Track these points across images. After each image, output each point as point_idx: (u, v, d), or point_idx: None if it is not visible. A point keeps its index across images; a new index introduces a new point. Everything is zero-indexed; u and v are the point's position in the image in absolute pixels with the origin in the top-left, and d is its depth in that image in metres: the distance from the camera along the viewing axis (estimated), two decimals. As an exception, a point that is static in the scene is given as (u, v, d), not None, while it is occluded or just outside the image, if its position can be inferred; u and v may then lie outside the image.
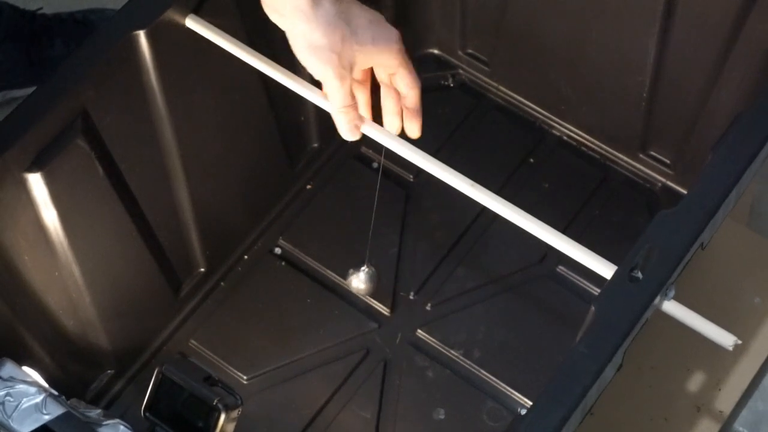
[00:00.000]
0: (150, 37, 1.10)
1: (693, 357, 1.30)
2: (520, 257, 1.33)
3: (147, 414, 1.02)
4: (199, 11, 1.12)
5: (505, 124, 1.44)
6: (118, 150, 1.14)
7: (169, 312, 1.30)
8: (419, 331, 1.30)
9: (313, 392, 1.26)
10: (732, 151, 1.02)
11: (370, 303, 1.31)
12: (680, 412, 1.28)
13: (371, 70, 1.07)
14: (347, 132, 1.05)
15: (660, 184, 1.39)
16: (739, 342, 0.95)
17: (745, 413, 1.33)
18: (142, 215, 1.20)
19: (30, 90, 1.08)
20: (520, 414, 1.24)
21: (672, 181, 1.39)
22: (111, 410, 1.24)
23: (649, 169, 1.39)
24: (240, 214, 1.34)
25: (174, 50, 1.13)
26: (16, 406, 0.94)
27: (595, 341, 0.93)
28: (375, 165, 1.40)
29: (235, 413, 1.00)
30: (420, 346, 1.29)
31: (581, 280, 1.31)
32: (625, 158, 1.40)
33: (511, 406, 1.25)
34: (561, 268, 1.32)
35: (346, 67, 1.00)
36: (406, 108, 1.08)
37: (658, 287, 0.95)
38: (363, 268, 1.27)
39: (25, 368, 0.99)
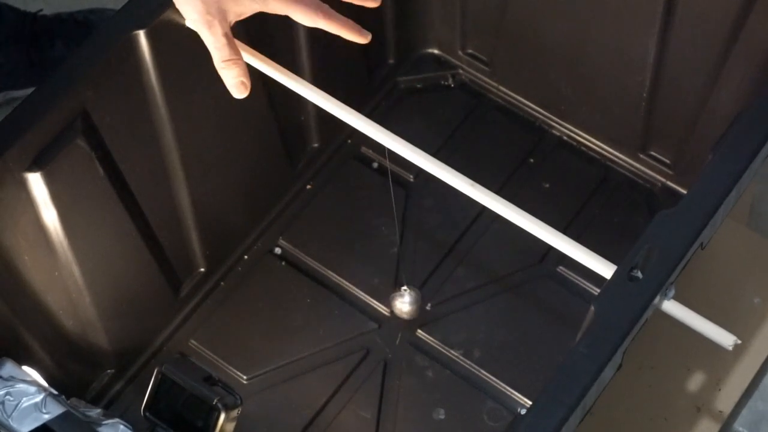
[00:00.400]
0: (150, 37, 1.10)
1: (693, 357, 1.30)
2: (520, 257, 1.33)
3: (147, 414, 1.02)
4: (199, 11, 1.12)
5: (505, 124, 1.44)
6: (118, 150, 1.14)
7: (169, 312, 1.30)
8: (419, 331, 1.30)
9: (313, 392, 1.26)
10: (732, 151, 1.02)
11: (370, 303, 1.31)
12: (680, 412, 1.28)
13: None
14: (232, 88, 1.04)
15: (660, 184, 1.39)
16: (739, 342, 0.95)
17: (745, 413, 1.33)
18: (142, 215, 1.20)
19: (30, 90, 1.08)
20: (520, 414, 1.24)
21: (672, 181, 1.39)
22: (111, 410, 1.24)
23: (649, 169, 1.39)
24: (240, 214, 1.34)
25: (174, 50, 1.13)
26: (16, 406, 0.94)
27: (595, 341, 0.93)
28: (375, 165, 1.40)
29: (234, 413, 1.00)
30: (420, 346, 1.29)
31: (581, 280, 1.31)
32: (625, 158, 1.40)
33: (511, 406, 1.25)
34: (561, 268, 1.32)
35: (214, 14, 0.99)
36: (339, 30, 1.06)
37: (658, 287, 0.95)
38: (404, 288, 1.27)
39: (25, 368, 0.99)
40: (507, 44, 1.40)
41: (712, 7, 1.20)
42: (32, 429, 0.93)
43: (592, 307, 0.94)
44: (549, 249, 1.01)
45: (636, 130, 1.36)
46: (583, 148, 1.42)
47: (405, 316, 1.29)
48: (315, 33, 1.10)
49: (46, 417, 0.94)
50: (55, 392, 0.96)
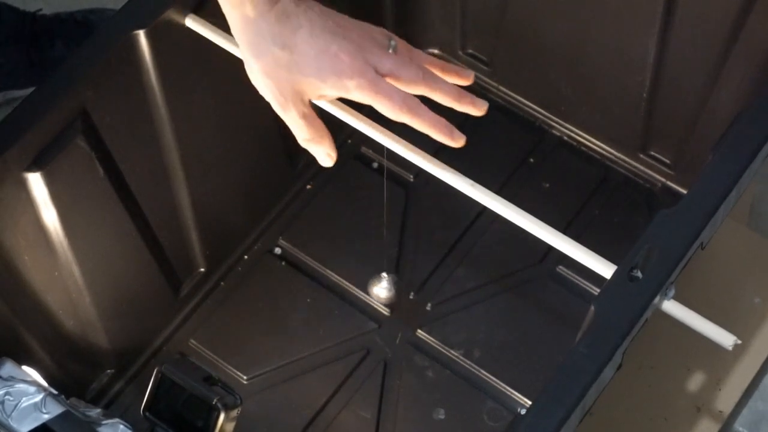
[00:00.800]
0: (150, 37, 1.10)
1: (693, 357, 1.30)
2: (520, 257, 1.33)
3: (147, 414, 1.02)
4: (199, 11, 1.12)
5: (505, 124, 1.44)
6: (118, 150, 1.14)
7: (169, 312, 1.30)
8: (419, 331, 1.30)
9: (313, 392, 1.26)
10: (732, 151, 1.02)
11: (370, 303, 1.31)
12: (680, 412, 1.28)
13: None
14: (321, 160, 1.01)
15: (660, 184, 1.39)
16: (739, 342, 0.94)
17: (745, 413, 1.33)
18: (142, 215, 1.20)
19: (30, 90, 1.08)
20: (520, 414, 1.24)
21: (672, 181, 1.39)
22: (111, 410, 1.24)
23: (649, 169, 1.39)
24: (240, 214, 1.34)
25: (174, 50, 1.13)
26: (16, 405, 0.94)
27: (595, 341, 0.93)
28: (375, 165, 1.40)
29: (234, 413, 1.00)
30: (420, 346, 1.29)
31: (581, 280, 1.31)
32: (625, 158, 1.40)
33: (511, 406, 1.25)
34: (561, 268, 1.32)
35: (287, 96, 0.95)
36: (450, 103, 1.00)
37: (658, 287, 0.95)
38: (383, 275, 1.27)
39: (25, 368, 0.99)
40: (507, 44, 1.40)
41: (712, 7, 1.20)
42: (32, 429, 0.93)
43: (592, 307, 0.94)
44: (549, 249, 1.01)
45: (636, 130, 1.36)
46: (583, 148, 1.42)
47: (383, 302, 1.29)
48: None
49: (46, 417, 0.94)
50: (55, 392, 0.96)
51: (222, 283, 1.33)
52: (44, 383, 0.98)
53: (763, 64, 1.20)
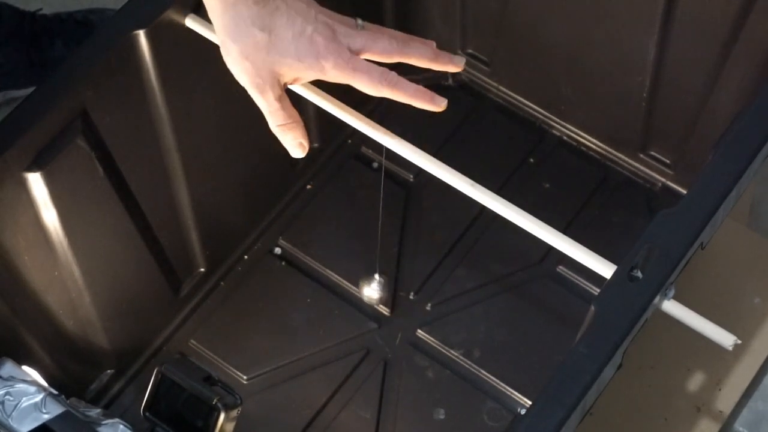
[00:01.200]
0: (150, 37, 1.10)
1: (693, 357, 1.30)
2: (520, 257, 1.33)
3: (147, 414, 1.02)
4: (199, 11, 1.12)
5: (505, 124, 1.44)
6: (118, 150, 1.14)
7: (169, 312, 1.30)
8: (419, 331, 1.30)
9: (313, 392, 1.26)
10: (732, 151, 1.02)
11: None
12: (680, 412, 1.28)
13: None
14: (290, 149, 1.00)
15: (660, 184, 1.39)
16: (739, 342, 0.94)
17: (745, 413, 1.33)
18: (142, 215, 1.20)
19: (30, 90, 1.08)
20: (520, 414, 1.24)
21: (672, 181, 1.39)
22: (111, 410, 1.24)
23: (649, 169, 1.39)
24: (240, 214, 1.34)
25: (174, 50, 1.13)
26: (16, 405, 0.94)
27: (595, 341, 0.93)
28: (375, 165, 1.40)
29: (234, 413, 1.00)
30: (420, 346, 1.29)
31: (581, 280, 1.32)
32: (625, 158, 1.40)
33: (511, 406, 1.25)
34: (561, 268, 1.32)
35: (265, 78, 0.95)
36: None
37: (658, 287, 0.95)
38: (375, 276, 1.27)
39: (25, 368, 0.99)
40: (507, 44, 1.40)
41: (712, 7, 1.20)
42: (32, 429, 0.93)
43: (592, 307, 0.94)
44: (549, 249, 1.01)
45: (636, 130, 1.36)
46: (583, 148, 1.42)
47: (374, 303, 1.29)
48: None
49: (46, 417, 0.94)
50: (55, 392, 0.96)
51: (222, 283, 1.33)
52: (44, 383, 0.98)
53: (763, 64, 1.20)
